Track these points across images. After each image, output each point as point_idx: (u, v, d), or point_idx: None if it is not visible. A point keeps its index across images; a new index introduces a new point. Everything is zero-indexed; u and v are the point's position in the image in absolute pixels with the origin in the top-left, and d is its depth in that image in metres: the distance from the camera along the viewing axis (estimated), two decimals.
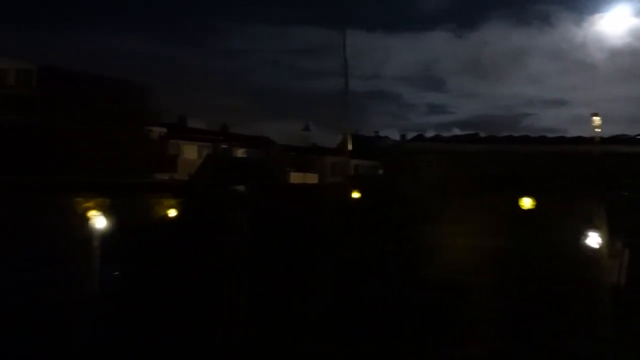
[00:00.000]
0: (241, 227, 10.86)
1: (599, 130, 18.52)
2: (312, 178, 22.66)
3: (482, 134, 28.75)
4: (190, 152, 22.24)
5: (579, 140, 19.86)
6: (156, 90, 22.15)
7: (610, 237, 8.16)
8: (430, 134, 33.10)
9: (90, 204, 9.38)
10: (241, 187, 11.45)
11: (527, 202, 8.16)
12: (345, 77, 16.80)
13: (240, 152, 23.38)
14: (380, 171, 21.28)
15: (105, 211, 8.71)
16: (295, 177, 21.88)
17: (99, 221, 7.48)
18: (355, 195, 12.47)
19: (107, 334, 7.34)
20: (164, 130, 20.87)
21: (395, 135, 34.67)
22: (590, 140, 18.17)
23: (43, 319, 7.01)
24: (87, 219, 7.99)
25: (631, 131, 24.14)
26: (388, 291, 9.07)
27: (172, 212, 10.50)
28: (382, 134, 33.94)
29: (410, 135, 34.11)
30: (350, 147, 17.70)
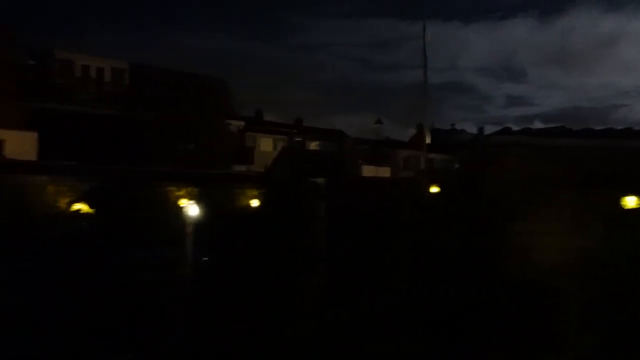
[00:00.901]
0: (319, 219, 11.05)
1: None
2: (384, 172, 22.42)
3: (570, 127, 26.86)
4: (266, 145, 22.88)
5: None
6: (234, 85, 23.04)
7: None
8: (509, 126, 31.47)
9: (181, 193, 10.02)
10: (320, 180, 11.63)
11: (631, 201, 7.52)
12: (424, 69, 16.39)
13: (313, 145, 23.67)
14: (457, 165, 20.58)
15: (196, 200, 9.24)
16: (368, 171, 21.78)
17: (192, 209, 7.95)
18: (433, 189, 12.18)
19: (198, 313, 7.82)
20: (242, 123, 21.62)
21: (471, 129, 33.36)
22: None
23: (146, 295, 7.62)
24: (181, 207, 8.52)
25: None
26: (468, 290, 8.79)
27: (254, 202, 10.92)
28: (458, 127, 32.79)
29: (488, 128, 32.64)
30: (428, 140, 17.27)
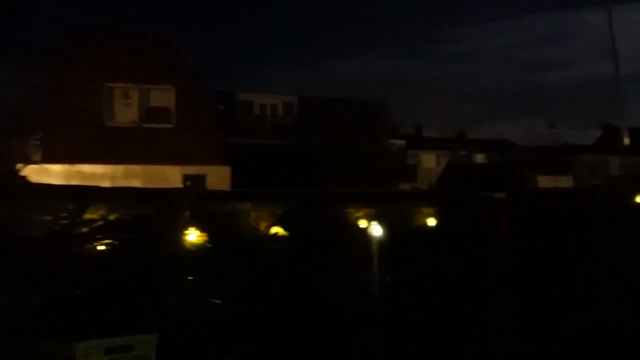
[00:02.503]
0: (502, 237, 10.30)
1: None
2: (565, 182, 20.04)
3: None
4: (429, 161, 22.57)
5: None
6: (392, 103, 23.51)
7: None
8: None
9: (359, 214, 10.38)
10: (499, 194, 10.88)
11: None
12: (614, 59, 14.31)
13: (480, 158, 22.53)
14: None
15: (374, 220, 9.43)
16: (545, 181, 19.73)
17: (375, 229, 8.15)
18: None
19: (387, 335, 7.90)
20: (402, 142, 21.80)
21: None
22: None
23: (335, 314, 8.01)
24: (364, 227, 8.79)
25: None
26: None
27: (430, 220, 10.73)
28: None
29: None
30: (627, 141, 14.92)
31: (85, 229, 5.25)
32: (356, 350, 7.81)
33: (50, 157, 14.44)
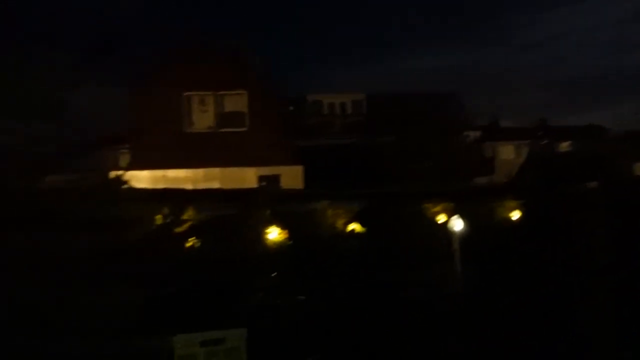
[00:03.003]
0: (597, 230, 9.50)
1: None
2: None
3: None
4: (507, 153, 21.45)
5: None
6: (466, 96, 22.60)
7: None
8: None
9: (437, 209, 10.08)
10: (592, 184, 10.05)
11: None
12: None
13: (564, 146, 21.00)
14: None
15: (454, 214, 9.10)
16: None
17: (457, 224, 7.86)
18: None
19: (472, 337, 7.57)
20: (478, 134, 20.90)
21: None
22: None
23: (417, 311, 7.83)
24: (444, 223, 8.53)
25: None
26: None
27: (514, 214, 10.17)
28: None
29: None
30: None
31: (180, 229, 5.57)
32: (438, 349, 7.58)
33: (138, 164, 15.54)
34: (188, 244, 6.06)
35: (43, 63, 2.83)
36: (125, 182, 4.10)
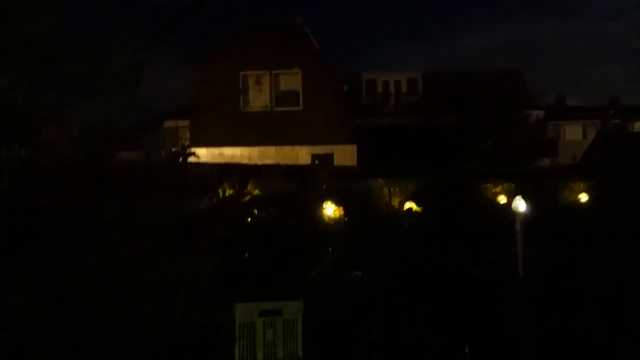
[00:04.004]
0: None
1: None
2: None
3: None
4: (573, 132, 20.22)
5: None
6: (530, 72, 21.32)
7: None
8: None
9: (497, 189, 9.74)
10: None
11: None
12: None
13: (638, 126, 19.50)
14: None
15: (516, 195, 8.74)
16: None
17: (520, 204, 7.53)
18: None
19: (534, 321, 7.30)
20: (541, 112, 19.80)
21: None
22: None
23: (478, 293, 7.65)
24: (506, 204, 8.22)
25: None
26: None
27: (582, 197, 9.63)
28: None
29: None
30: None
31: (244, 201, 5.74)
32: (500, 332, 7.39)
33: (198, 142, 16.10)
34: (250, 217, 6.24)
35: (115, 38, 2.93)
36: (193, 154, 4.27)
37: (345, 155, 16.31)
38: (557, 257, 8.05)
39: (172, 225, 3.00)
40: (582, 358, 6.97)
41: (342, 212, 7.47)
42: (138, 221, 2.96)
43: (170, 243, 2.94)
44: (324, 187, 7.44)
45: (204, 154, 15.52)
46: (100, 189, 2.85)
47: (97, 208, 2.86)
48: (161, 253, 2.93)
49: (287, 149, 16.31)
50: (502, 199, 9.29)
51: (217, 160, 14.95)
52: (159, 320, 2.98)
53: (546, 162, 17.94)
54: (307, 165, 10.65)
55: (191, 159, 4.33)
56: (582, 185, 9.80)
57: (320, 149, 16.60)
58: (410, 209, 8.45)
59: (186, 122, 16.13)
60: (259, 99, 17.86)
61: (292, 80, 17.76)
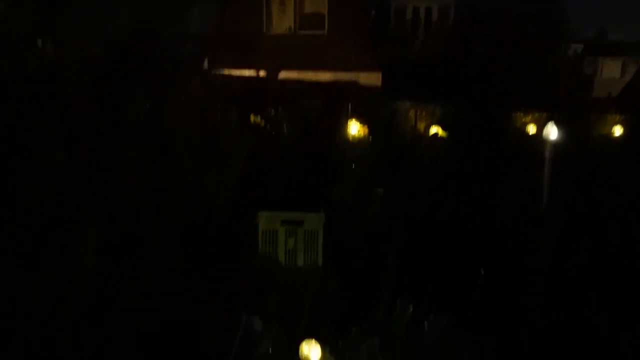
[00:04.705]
0: None
1: None
2: None
3: None
4: (612, 69, 19.13)
5: None
6: (571, 2, 19.81)
7: None
8: None
9: (528, 119, 9.40)
10: None
11: None
12: None
13: None
14: None
15: (546, 124, 8.40)
16: None
17: (552, 132, 7.23)
18: None
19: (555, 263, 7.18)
20: (579, 46, 18.66)
21: None
22: None
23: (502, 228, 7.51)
24: (535, 134, 7.94)
25: None
26: None
27: (617, 131, 9.25)
28: None
29: None
30: None
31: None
32: (516, 260, 7.36)
33: (218, 64, 15.74)
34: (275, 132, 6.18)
35: None
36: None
37: (370, 82, 15.82)
38: (583, 196, 7.81)
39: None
40: (596, 289, 6.94)
41: (366, 131, 7.34)
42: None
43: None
44: (350, 104, 7.26)
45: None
46: None
47: None
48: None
49: (309, 74, 15.86)
50: (532, 129, 9.00)
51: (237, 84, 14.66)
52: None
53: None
54: (332, 82, 10.37)
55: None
56: (616, 118, 9.39)
57: (344, 76, 16.11)
58: (436, 133, 8.25)
59: None
60: (282, 21, 17.15)
61: (317, 2, 16.92)
